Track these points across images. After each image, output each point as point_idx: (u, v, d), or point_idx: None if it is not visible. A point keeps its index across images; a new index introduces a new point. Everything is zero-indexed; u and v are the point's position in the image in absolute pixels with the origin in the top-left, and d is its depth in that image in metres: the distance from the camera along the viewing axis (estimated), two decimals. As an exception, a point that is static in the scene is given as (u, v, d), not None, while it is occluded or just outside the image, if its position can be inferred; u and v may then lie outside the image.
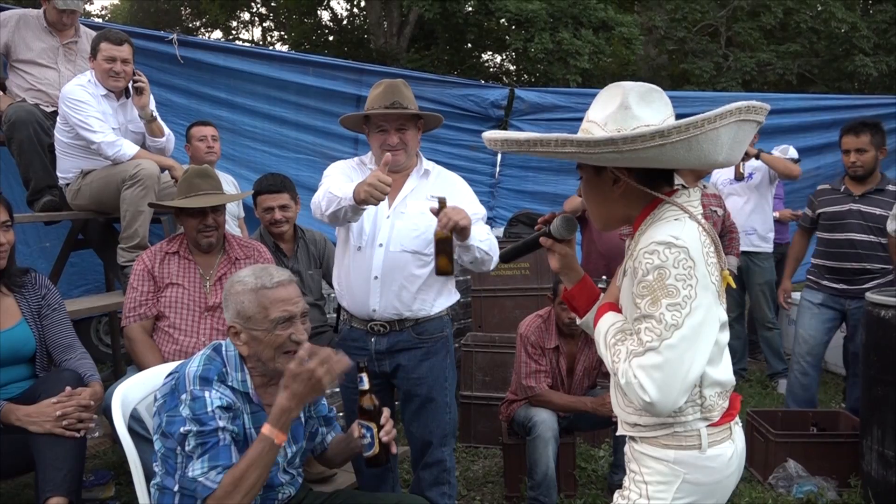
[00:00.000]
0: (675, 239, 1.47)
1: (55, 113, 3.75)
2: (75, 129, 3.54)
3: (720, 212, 4.64)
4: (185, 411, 1.88)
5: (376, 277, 2.63)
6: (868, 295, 3.47)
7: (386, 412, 2.13)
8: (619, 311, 1.66)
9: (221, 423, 1.88)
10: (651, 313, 1.47)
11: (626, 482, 1.65)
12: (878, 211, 3.96)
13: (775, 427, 3.77)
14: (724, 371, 1.60)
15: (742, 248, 5.02)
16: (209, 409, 1.88)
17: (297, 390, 1.85)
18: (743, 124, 1.48)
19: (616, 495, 1.66)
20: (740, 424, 1.70)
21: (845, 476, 3.54)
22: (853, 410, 3.94)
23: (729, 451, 1.59)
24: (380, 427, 2.09)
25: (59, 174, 3.76)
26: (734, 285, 1.66)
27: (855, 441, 3.52)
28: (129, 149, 3.58)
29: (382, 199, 2.36)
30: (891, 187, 4.03)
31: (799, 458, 3.58)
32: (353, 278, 2.69)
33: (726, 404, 1.61)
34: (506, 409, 3.55)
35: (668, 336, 1.44)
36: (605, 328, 1.62)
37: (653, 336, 1.46)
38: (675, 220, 1.54)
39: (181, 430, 1.87)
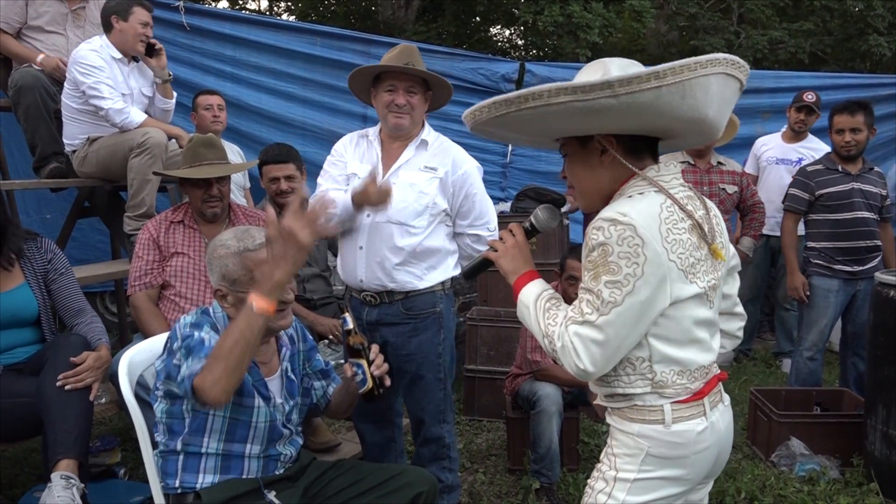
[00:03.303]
0: (621, 216, 1.45)
1: (62, 79, 3.72)
2: (85, 94, 3.52)
3: (730, 189, 4.54)
4: (177, 354, 1.89)
5: (361, 247, 2.63)
6: (877, 275, 3.45)
7: (375, 347, 2.16)
8: (540, 279, 1.67)
9: (207, 336, 1.90)
10: (591, 288, 1.48)
11: (602, 455, 1.66)
12: (874, 189, 4.04)
13: (778, 406, 3.77)
14: (690, 351, 1.55)
15: (774, 232, 4.91)
16: (198, 335, 1.91)
17: (277, 252, 1.74)
18: (729, 80, 1.48)
19: (595, 468, 1.66)
20: (726, 402, 1.67)
21: (848, 455, 3.55)
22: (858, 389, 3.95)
23: (699, 426, 1.56)
24: (370, 362, 2.13)
25: (65, 140, 3.74)
26: (724, 258, 1.62)
27: (859, 421, 3.52)
28: (137, 116, 3.57)
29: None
30: (875, 168, 4.15)
31: (802, 437, 3.58)
32: (345, 247, 2.71)
33: (693, 385, 1.56)
34: (510, 384, 3.56)
35: (606, 312, 1.45)
36: (535, 294, 1.62)
37: (592, 309, 1.46)
38: (639, 195, 1.53)
39: (174, 362, 1.89)
